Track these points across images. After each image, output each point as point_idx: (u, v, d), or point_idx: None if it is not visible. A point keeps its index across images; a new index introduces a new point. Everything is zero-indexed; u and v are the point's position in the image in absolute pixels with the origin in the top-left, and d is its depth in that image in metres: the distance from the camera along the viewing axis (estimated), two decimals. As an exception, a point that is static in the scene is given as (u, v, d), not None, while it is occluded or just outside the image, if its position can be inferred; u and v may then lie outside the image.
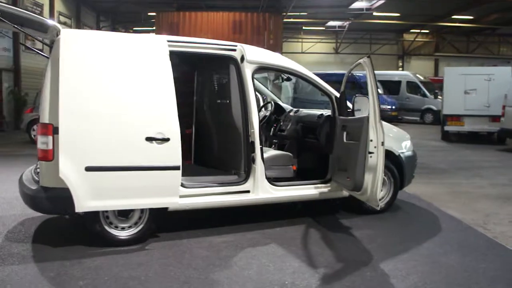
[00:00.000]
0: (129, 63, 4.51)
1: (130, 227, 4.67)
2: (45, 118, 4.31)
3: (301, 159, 6.31)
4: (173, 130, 4.53)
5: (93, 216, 4.49)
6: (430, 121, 22.32)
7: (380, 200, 5.77)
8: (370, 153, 4.72)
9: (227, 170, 5.53)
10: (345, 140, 5.20)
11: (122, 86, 4.44)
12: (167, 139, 4.49)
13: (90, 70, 4.36)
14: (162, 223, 4.91)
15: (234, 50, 5.17)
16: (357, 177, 4.82)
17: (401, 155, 6.08)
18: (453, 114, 14.74)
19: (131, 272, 4.00)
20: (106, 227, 4.56)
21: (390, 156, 5.94)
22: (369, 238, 4.97)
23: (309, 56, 34.18)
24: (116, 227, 4.62)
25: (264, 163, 5.15)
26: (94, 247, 4.53)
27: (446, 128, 15.11)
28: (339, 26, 32.53)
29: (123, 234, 4.63)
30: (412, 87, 23.64)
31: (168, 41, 4.77)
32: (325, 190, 5.56)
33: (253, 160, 5.07)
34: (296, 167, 6.17)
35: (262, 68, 5.38)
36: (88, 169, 4.26)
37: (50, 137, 4.27)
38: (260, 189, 5.13)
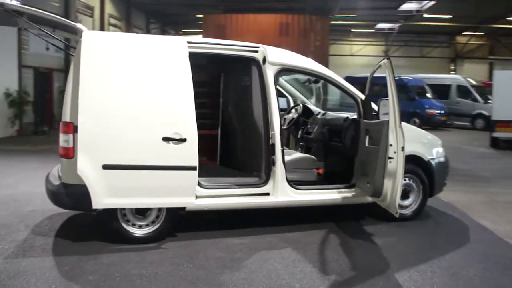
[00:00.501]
0: (148, 64, 4.58)
1: (147, 225, 4.73)
2: (66, 116, 4.46)
3: (328, 162, 6.19)
4: (190, 130, 4.56)
5: (111, 213, 4.59)
6: (481, 126, 21.34)
7: (407, 207, 5.64)
8: (389, 158, 4.56)
9: (250, 172, 5.50)
10: (366, 144, 5.05)
11: (140, 87, 4.50)
12: (184, 140, 4.52)
13: (110, 70, 4.46)
14: (182, 223, 4.96)
15: (256, 51, 5.14)
16: (377, 182, 4.67)
17: (431, 161, 5.84)
18: (502, 119, 14.03)
19: (142, 269, 4.05)
20: (124, 225, 4.65)
21: (419, 162, 5.75)
22: (390, 246, 4.81)
23: (358, 59, 33.64)
24: (134, 225, 4.69)
25: (285, 166, 5.09)
26: (112, 244, 4.63)
27: (495, 134, 14.41)
28: (388, 29, 31.76)
29: (140, 232, 4.70)
30: (463, 91, 22.72)
31: (189, 42, 4.81)
32: (349, 195, 5.42)
33: (273, 163, 5.02)
34: (323, 170, 6.08)
35: (285, 70, 5.32)
36: (105, 167, 4.36)
37: (71, 135, 4.40)
38: (280, 192, 5.07)
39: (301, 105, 6.82)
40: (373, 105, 5.50)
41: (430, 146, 5.96)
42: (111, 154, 4.39)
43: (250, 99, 5.48)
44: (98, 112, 4.38)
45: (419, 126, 12.16)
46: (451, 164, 6.44)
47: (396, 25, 30.58)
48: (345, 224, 5.53)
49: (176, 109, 4.57)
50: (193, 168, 4.58)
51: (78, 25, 4.77)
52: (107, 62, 4.47)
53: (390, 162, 4.57)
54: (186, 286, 3.76)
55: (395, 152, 4.57)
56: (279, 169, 5.04)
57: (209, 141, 6.30)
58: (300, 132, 6.71)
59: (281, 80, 6.90)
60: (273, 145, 5.01)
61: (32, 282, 3.76)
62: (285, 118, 6.90)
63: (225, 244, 4.75)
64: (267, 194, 5.06)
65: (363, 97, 5.52)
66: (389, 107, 4.60)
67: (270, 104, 5.05)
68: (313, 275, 4.01)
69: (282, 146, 5.11)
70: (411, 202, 5.78)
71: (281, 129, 5.08)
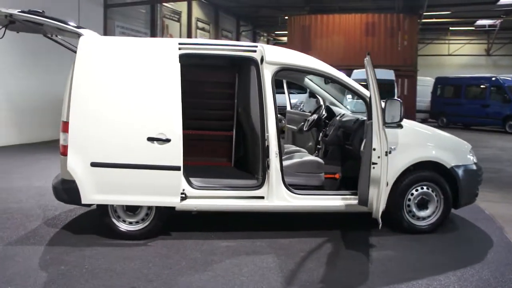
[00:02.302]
0: (137, 67, 4.70)
1: (137, 222, 4.86)
2: (64, 116, 4.73)
3: (343, 167, 5.87)
4: (175, 131, 4.60)
5: (102, 209, 4.79)
6: None
7: (424, 219, 5.13)
8: (373, 164, 4.19)
9: (253, 174, 5.41)
10: (361, 149, 4.71)
11: (129, 88, 4.64)
12: (168, 140, 4.57)
13: (101, 73, 4.65)
14: (188, 222, 5.07)
15: (255, 51, 5.03)
16: (361, 190, 4.33)
17: (456, 168, 5.25)
18: None
19: (112, 264, 4.18)
20: (114, 221, 4.82)
21: (440, 169, 5.22)
22: (382, 261, 4.43)
23: (456, 59, 31.47)
24: (124, 221, 4.85)
25: (282, 169, 4.92)
26: (106, 239, 4.82)
27: None
28: (489, 25, 29.22)
29: (130, 229, 4.85)
30: None
31: (180, 43, 4.84)
32: (354, 202, 5.08)
33: (267, 166, 4.88)
34: (340, 175, 5.79)
35: (284, 69, 5.14)
36: (93, 164, 4.56)
37: (67, 134, 4.66)
38: (275, 196, 4.91)
39: (323, 106, 6.54)
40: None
41: (455, 152, 5.38)
42: (99, 153, 4.58)
43: (251, 100, 5.38)
44: (87, 112, 4.59)
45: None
46: None
47: (497, 21, 28.02)
48: (351, 233, 5.20)
49: (161, 110, 4.63)
50: (177, 168, 4.61)
51: (81, 30, 4.98)
52: (99, 65, 4.67)
53: (373, 168, 4.21)
54: (141, 283, 3.80)
55: (378, 157, 4.19)
56: (274, 172, 4.88)
57: (224, 142, 6.30)
58: (320, 134, 6.45)
59: (307, 80, 6.69)
60: (268, 147, 4.87)
61: (10, 267, 4.07)
62: (308, 120, 6.68)
63: (211, 246, 4.72)
64: (262, 197, 4.93)
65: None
66: (372, 107, 4.22)
67: (266, 105, 4.92)
68: (273, 284, 3.83)
69: (280, 148, 4.95)
70: (430, 214, 5.25)
71: (279, 130, 4.93)
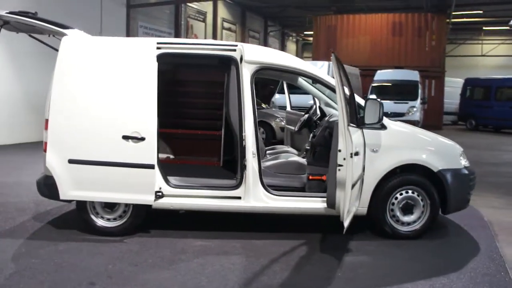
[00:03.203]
0: (114, 66, 4.77)
1: (115, 219, 4.92)
2: (47, 114, 4.84)
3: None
4: (149, 130, 4.64)
5: (82, 205, 4.87)
6: None
7: (409, 224, 4.98)
8: (339, 166, 4.09)
9: (235, 174, 5.39)
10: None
11: (106, 87, 4.72)
12: (143, 139, 4.62)
13: (79, 72, 4.75)
14: (173, 220, 5.17)
15: (234, 50, 4.99)
16: (329, 192, 4.24)
17: (443, 172, 5.05)
18: None
19: (80, 260, 4.25)
20: (93, 217, 4.90)
21: (426, 172, 5.05)
22: (355, 267, 4.30)
23: (490, 60, 30.49)
24: (102, 217, 4.92)
25: (260, 169, 4.88)
26: (86, 234, 4.92)
27: None
28: (526, 25, 28.11)
29: (108, 225, 4.91)
30: None
31: (159, 43, 4.87)
32: None
33: (244, 166, 4.85)
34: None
35: (264, 69, 5.08)
36: (71, 161, 4.66)
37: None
38: (252, 197, 4.87)
39: (315, 106, 6.44)
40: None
41: (443, 155, 5.16)
42: (76, 150, 4.68)
43: (231, 100, 5.33)
44: (66, 110, 4.70)
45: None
46: None
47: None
48: (332, 237, 5.09)
49: (137, 108, 4.68)
50: (151, 166, 4.65)
51: (67, 30, 5.03)
52: (78, 64, 4.75)
53: (339, 170, 4.10)
54: (100, 279, 3.85)
55: (344, 159, 4.08)
56: (251, 173, 4.84)
57: (213, 142, 6.29)
58: (310, 135, 6.35)
59: (301, 80, 6.58)
60: (245, 147, 4.84)
61: (-17, 259, 4.20)
62: (300, 120, 6.60)
63: (184, 244, 4.72)
64: (239, 198, 4.90)
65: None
66: (338, 106, 4.10)
67: (244, 105, 4.89)
68: (230, 285, 3.79)
69: (258, 148, 4.91)
70: (415, 219, 5.08)
71: (257, 130, 4.90)
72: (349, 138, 4.05)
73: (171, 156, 5.93)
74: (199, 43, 5.13)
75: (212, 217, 5.45)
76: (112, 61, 4.79)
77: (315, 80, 5.26)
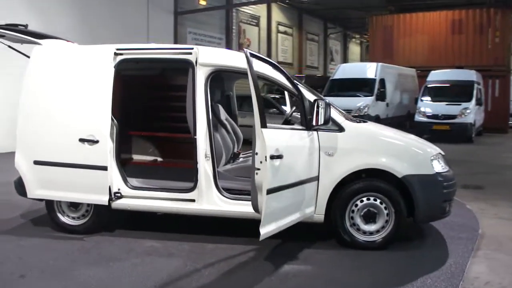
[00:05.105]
0: (74, 72, 5.03)
1: (78, 218, 5.18)
2: (20, 118, 5.20)
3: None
4: (103, 133, 4.83)
5: (50, 204, 5.18)
6: None
7: (372, 234, 4.75)
8: (256, 169, 3.97)
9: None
10: None
11: (66, 92, 4.99)
12: (97, 141, 4.82)
13: (44, 78, 5.07)
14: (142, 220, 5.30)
15: (190, 53, 5.02)
16: (252, 196, 4.15)
17: (409, 178, 4.71)
18: None
19: (27, 254, 4.55)
20: (59, 215, 5.19)
21: (391, 178, 4.75)
22: (289, 275, 4.15)
23: None
24: (68, 216, 5.19)
25: (214, 172, 4.89)
26: (55, 232, 5.22)
27: None
28: None
29: (72, 223, 5.19)
30: None
31: (118, 49, 5.04)
32: None
33: (196, 169, 4.89)
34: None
35: (220, 71, 5.06)
36: (36, 162, 4.99)
37: (21, 134, 5.13)
38: (205, 200, 4.90)
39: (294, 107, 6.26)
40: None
41: (409, 159, 4.82)
42: (41, 152, 5.00)
43: (188, 102, 5.34)
44: (31, 115, 5.04)
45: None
46: None
47: None
48: (289, 244, 4.90)
49: (92, 112, 4.90)
50: (104, 168, 4.83)
51: (43, 40, 5.30)
52: (44, 71, 5.07)
53: (256, 174, 3.99)
54: (32, 272, 4.09)
55: (261, 162, 3.95)
56: (203, 176, 4.87)
57: (189, 144, 6.32)
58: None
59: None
60: (196, 150, 4.88)
61: None
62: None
63: (135, 244, 4.84)
64: (193, 200, 4.95)
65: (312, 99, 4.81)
66: (253, 108, 3.97)
67: (197, 107, 4.92)
68: (147, 286, 3.86)
69: (213, 151, 4.92)
70: (378, 228, 4.80)
71: (211, 133, 4.91)
72: (263, 140, 3.91)
73: (149, 158, 6.07)
74: (157, 48, 5.23)
75: (188, 218, 5.45)
76: (73, 68, 5.05)
77: (272, 83, 5.12)
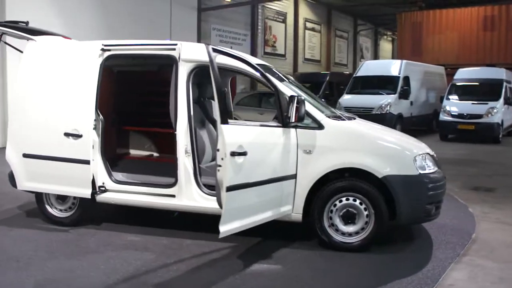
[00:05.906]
0: (62, 68, 5.15)
1: (65, 210, 5.33)
2: (12, 112, 5.39)
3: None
4: (86, 128, 4.94)
5: (39, 196, 5.34)
6: None
7: (351, 235, 4.66)
8: (218, 166, 3.95)
9: None
10: None
11: (53, 87, 5.12)
12: (80, 136, 4.93)
13: (35, 73, 5.21)
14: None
15: (174, 49, 5.03)
16: (217, 192, 4.14)
17: (390, 178, 4.59)
18: None
19: (9, 245, 4.71)
20: (47, 207, 5.36)
21: (370, 177, 4.64)
22: (256, 275, 4.12)
23: None
24: (56, 208, 5.34)
25: (195, 168, 4.91)
26: (45, 223, 5.38)
27: None
28: None
29: (59, 215, 5.35)
30: None
31: (105, 45, 5.13)
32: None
33: (176, 165, 4.93)
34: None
35: (203, 67, 5.05)
36: (25, 155, 5.16)
37: (13, 128, 5.32)
38: (184, 196, 4.93)
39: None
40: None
41: (391, 158, 4.68)
42: (29, 145, 5.16)
43: (171, 98, 5.35)
44: (21, 109, 5.21)
45: None
46: None
47: None
48: (268, 243, 4.88)
49: (77, 107, 5.01)
50: (87, 162, 4.94)
51: (36, 37, 5.42)
52: (35, 66, 5.22)
53: (218, 170, 3.97)
54: (5, 262, 4.25)
55: (222, 159, 3.93)
56: (183, 171, 4.90)
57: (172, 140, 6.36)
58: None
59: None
60: (176, 145, 4.93)
61: None
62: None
63: (116, 238, 4.93)
64: (173, 196, 4.99)
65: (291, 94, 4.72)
66: (216, 103, 3.94)
67: (178, 103, 4.95)
68: (102, 279, 3.93)
69: (193, 147, 4.94)
70: (358, 229, 4.71)
71: (192, 129, 4.93)
72: (223, 137, 3.89)
73: (138, 152, 6.16)
74: (142, 44, 5.28)
75: (181, 214, 5.43)
76: (62, 64, 5.17)
77: (256, 80, 5.10)
